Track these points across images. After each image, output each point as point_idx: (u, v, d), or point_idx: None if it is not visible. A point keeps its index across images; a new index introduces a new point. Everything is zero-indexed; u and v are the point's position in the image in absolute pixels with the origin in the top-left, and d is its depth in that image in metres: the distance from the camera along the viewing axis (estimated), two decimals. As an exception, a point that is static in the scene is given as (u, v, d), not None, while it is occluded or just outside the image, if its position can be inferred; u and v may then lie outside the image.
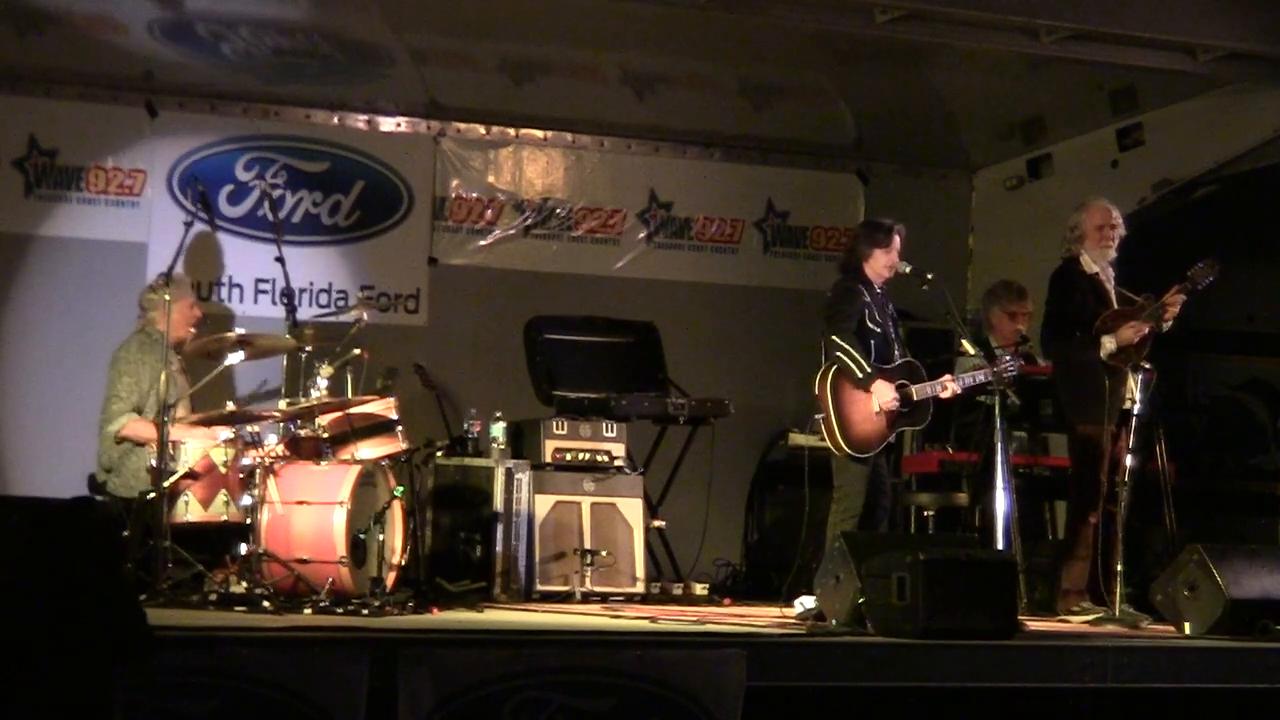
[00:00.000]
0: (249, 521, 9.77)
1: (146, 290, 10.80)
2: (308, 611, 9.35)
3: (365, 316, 11.04)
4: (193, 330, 10.66)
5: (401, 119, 12.42)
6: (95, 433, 10.64)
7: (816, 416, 10.29)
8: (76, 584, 6.38)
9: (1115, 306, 10.61)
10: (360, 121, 12.33)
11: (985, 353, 11.13)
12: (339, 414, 10.29)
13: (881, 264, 10.45)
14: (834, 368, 10.24)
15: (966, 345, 10.94)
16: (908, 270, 10.59)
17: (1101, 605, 10.34)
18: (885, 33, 11.27)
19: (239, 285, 11.89)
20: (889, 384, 10.26)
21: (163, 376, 10.06)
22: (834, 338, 10.25)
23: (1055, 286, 10.78)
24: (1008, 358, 10.63)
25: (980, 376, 10.48)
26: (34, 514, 6.88)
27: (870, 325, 10.34)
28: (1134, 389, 10.43)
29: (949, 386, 10.40)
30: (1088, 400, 10.51)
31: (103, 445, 10.46)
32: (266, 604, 9.38)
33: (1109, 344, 10.44)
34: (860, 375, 10.22)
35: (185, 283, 10.79)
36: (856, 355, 10.24)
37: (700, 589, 11.50)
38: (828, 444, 10.28)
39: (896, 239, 10.48)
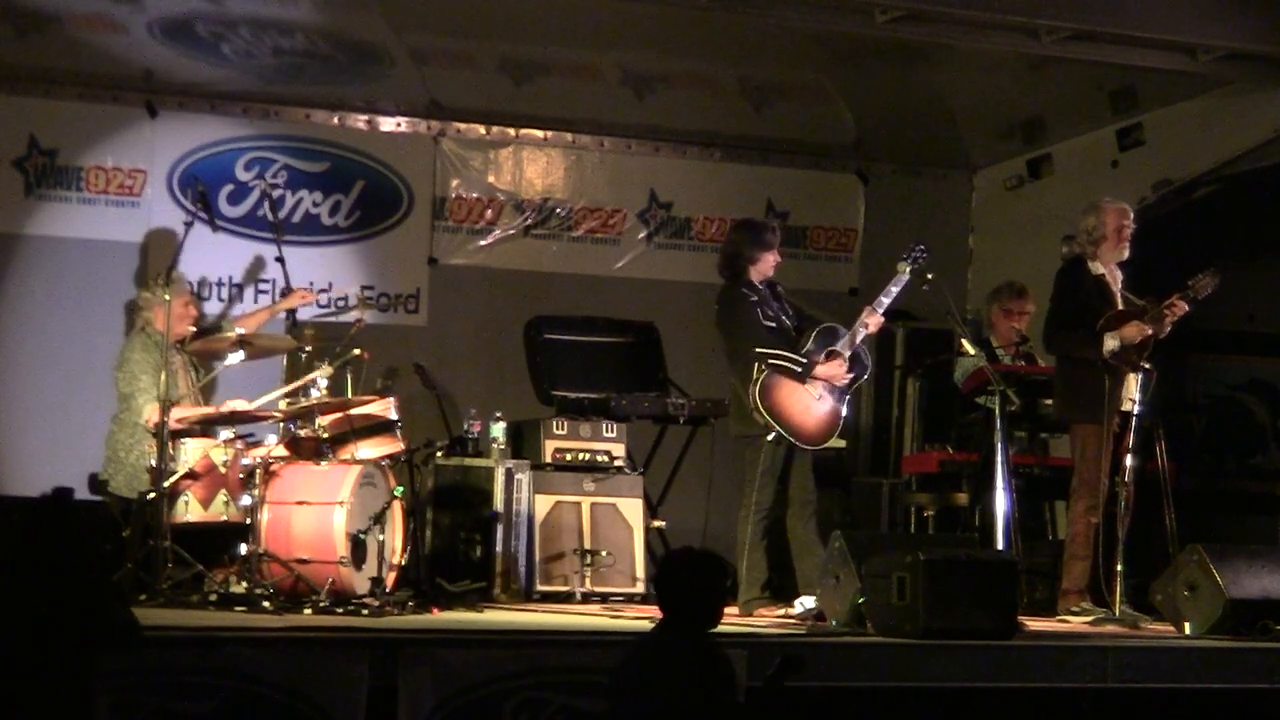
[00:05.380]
0: (249, 521, 9.78)
1: (142, 290, 10.81)
2: (308, 611, 9.36)
3: (365, 317, 11.03)
4: (192, 328, 10.67)
5: (401, 119, 12.41)
6: (93, 432, 10.65)
7: (769, 437, 10.23)
8: (53, 577, 6.38)
9: (1120, 308, 10.60)
10: (360, 121, 12.32)
11: (986, 352, 11.16)
12: (339, 414, 10.30)
13: (769, 264, 10.46)
14: (758, 382, 10.20)
15: (966, 345, 10.95)
16: (908, 270, 10.59)
17: (1102, 605, 10.33)
18: (885, 33, 11.27)
19: (239, 285, 11.89)
20: (825, 362, 10.24)
21: (162, 377, 10.06)
22: (757, 350, 10.23)
23: (1061, 284, 10.77)
24: (919, 246, 10.50)
25: (894, 290, 10.37)
26: (8, 511, 6.90)
27: (766, 323, 10.33)
28: (1134, 390, 10.43)
29: (871, 321, 10.34)
30: (1087, 399, 10.49)
31: (121, 439, 10.41)
32: (266, 604, 9.39)
33: (1111, 342, 10.43)
34: (799, 370, 10.21)
35: (181, 281, 10.79)
36: (785, 353, 10.23)
37: (700, 589, 11.48)
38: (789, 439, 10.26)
39: (778, 236, 10.54)
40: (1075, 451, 10.66)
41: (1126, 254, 10.67)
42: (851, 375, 10.29)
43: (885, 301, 10.39)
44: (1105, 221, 10.66)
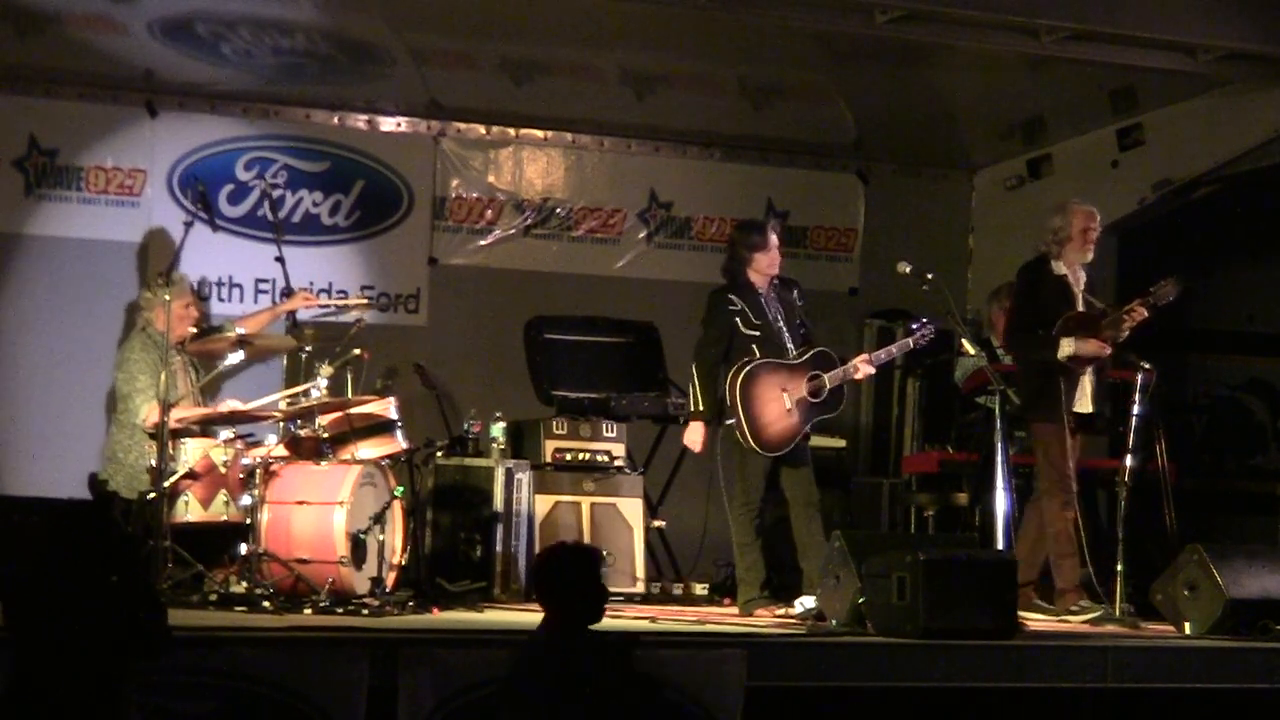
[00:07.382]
0: (249, 521, 9.78)
1: (143, 290, 10.82)
2: (308, 611, 9.36)
3: (365, 317, 11.03)
4: (192, 330, 10.67)
5: (401, 119, 12.41)
6: (93, 432, 10.66)
7: (729, 421, 10.25)
8: (93, 583, 6.39)
9: (1080, 310, 10.57)
10: (360, 121, 12.32)
11: (986, 352, 11.15)
12: (339, 414, 10.30)
13: (763, 266, 10.44)
14: (741, 369, 10.21)
15: (966, 345, 10.95)
16: (908, 270, 10.60)
17: (1100, 602, 10.34)
18: (885, 33, 11.28)
19: (239, 285, 11.88)
20: (702, 425, 10.33)
21: (162, 376, 10.06)
22: (693, 366, 10.39)
23: (1022, 282, 10.77)
24: (924, 322, 10.57)
25: (894, 350, 10.54)
26: (51, 515, 6.91)
27: (747, 332, 10.29)
28: (1088, 392, 10.44)
29: (861, 368, 10.39)
30: (1045, 399, 10.46)
31: (120, 440, 10.41)
32: (266, 604, 9.40)
33: (1067, 348, 10.41)
34: (693, 409, 10.38)
35: (183, 281, 10.80)
36: (699, 391, 10.32)
37: (700, 589, 11.49)
38: (746, 441, 10.25)
39: (773, 237, 10.52)
40: (1039, 451, 10.61)
41: (1090, 256, 10.65)
42: (814, 403, 10.29)
43: (882, 358, 10.50)
44: (1072, 222, 10.65)
